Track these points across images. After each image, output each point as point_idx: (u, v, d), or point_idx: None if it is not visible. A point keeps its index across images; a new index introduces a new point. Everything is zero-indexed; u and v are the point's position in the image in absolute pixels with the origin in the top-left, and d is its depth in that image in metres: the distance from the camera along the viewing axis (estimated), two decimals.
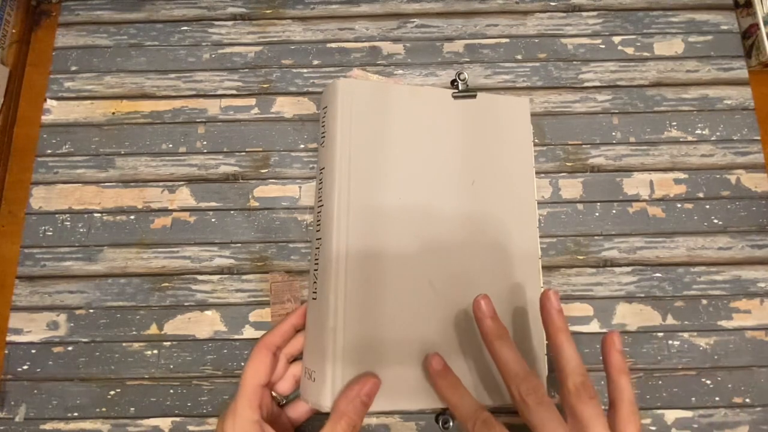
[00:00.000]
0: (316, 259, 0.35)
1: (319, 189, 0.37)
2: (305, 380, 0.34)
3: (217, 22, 0.45)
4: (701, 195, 0.41)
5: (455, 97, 0.39)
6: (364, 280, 0.34)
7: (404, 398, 0.33)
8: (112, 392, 0.37)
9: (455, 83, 0.40)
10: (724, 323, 0.38)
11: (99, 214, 0.41)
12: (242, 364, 0.37)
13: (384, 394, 0.32)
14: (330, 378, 0.32)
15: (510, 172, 0.39)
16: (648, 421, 0.36)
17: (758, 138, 0.42)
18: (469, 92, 0.39)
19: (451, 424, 0.34)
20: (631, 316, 0.38)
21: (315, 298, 0.35)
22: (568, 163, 0.42)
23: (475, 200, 0.37)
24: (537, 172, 0.41)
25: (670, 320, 0.38)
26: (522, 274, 0.37)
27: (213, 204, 0.41)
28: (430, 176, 0.37)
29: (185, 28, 0.45)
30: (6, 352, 0.38)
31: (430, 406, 0.34)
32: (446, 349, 0.34)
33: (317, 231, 0.36)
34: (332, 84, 0.37)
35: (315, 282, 0.35)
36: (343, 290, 0.33)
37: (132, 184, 0.41)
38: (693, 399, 0.37)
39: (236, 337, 0.38)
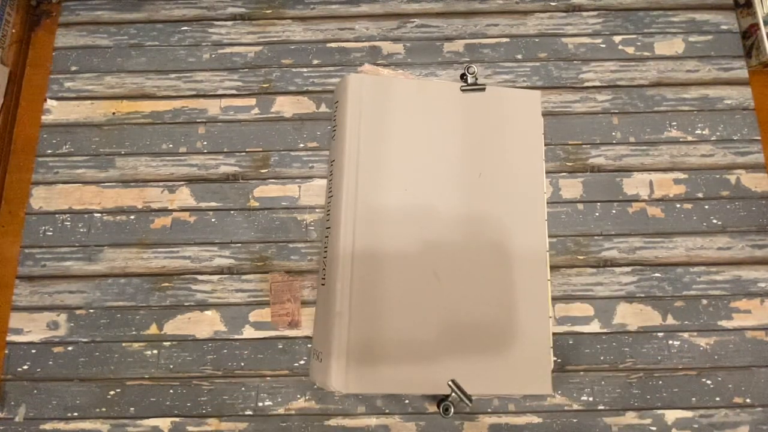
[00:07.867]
0: (326, 247, 0.37)
1: (330, 180, 0.38)
2: (313, 360, 0.35)
3: (217, 22, 0.45)
4: (701, 195, 0.41)
5: (464, 90, 0.39)
6: (370, 268, 0.35)
7: (408, 382, 0.34)
8: (111, 392, 0.37)
9: (464, 77, 0.40)
10: (724, 323, 0.38)
11: (99, 214, 0.41)
12: (242, 364, 0.38)
13: (389, 378, 0.33)
14: (335, 358, 0.33)
15: (519, 165, 0.39)
16: (648, 421, 0.36)
17: (758, 138, 0.42)
18: (477, 85, 0.39)
19: (452, 410, 0.34)
20: (631, 316, 0.38)
21: (324, 284, 0.36)
22: (568, 163, 0.42)
23: (482, 192, 0.38)
24: None
25: (670, 320, 0.38)
26: (529, 267, 0.37)
27: (213, 204, 0.41)
28: (437, 168, 0.38)
29: (185, 28, 0.45)
30: (6, 352, 0.38)
31: (433, 391, 0.34)
32: (448, 336, 0.35)
33: (327, 220, 0.37)
34: (343, 79, 0.39)
35: (324, 268, 0.36)
36: (349, 276, 0.34)
37: (132, 184, 0.41)
38: (693, 399, 0.37)
39: (236, 337, 0.38)
